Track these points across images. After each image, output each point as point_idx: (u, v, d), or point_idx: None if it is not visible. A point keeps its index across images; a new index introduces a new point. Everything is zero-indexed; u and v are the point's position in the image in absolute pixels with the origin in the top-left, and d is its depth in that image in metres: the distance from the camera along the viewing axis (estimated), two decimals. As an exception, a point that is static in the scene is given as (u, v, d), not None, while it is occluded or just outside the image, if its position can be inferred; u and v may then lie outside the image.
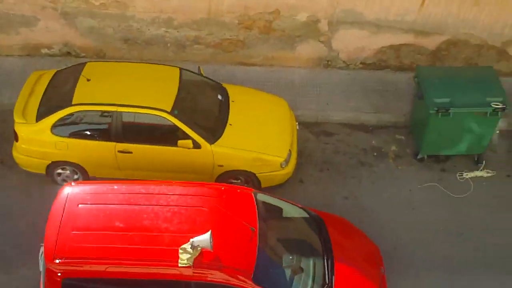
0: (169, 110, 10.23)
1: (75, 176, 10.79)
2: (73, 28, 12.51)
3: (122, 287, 8.29)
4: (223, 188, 9.14)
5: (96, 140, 10.40)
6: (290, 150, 10.73)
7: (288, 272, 8.74)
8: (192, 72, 11.23)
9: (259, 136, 10.70)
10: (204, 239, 7.91)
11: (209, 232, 7.98)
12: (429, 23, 12.54)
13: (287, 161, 10.64)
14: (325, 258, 9.07)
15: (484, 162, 11.86)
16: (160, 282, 8.23)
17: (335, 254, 9.13)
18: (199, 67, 11.44)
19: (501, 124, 12.17)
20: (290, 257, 8.87)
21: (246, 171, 10.59)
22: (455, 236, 10.79)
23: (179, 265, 7.99)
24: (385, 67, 13.18)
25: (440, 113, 10.95)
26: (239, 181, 10.71)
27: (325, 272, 8.92)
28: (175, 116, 10.23)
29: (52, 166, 10.69)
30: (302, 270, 8.83)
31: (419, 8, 12.30)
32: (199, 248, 7.97)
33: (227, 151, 10.43)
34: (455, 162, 11.89)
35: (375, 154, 11.93)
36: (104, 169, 10.65)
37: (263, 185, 10.72)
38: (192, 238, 7.98)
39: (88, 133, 10.46)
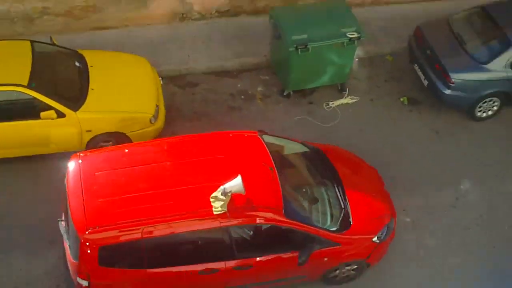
0: (25, 84, 9.99)
1: None
2: None
3: (158, 246, 8.24)
4: (231, 135, 9.26)
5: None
6: (157, 105, 10.77)
7: (307, 204, 9.15)
8: (44, 43, 10.96)
9: (123, 96, 10.66)
10: (236, 183, 8.05)
11: (239, 176, 8.11)
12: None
13: (155, 116, 10.69)
14: (335, 185, 9.47)
15: (347, 90, 12.39)
16: (197, 234, 8.29)
17: (343, 179, 9.54)
18: (51, 37, 11.18)
19: (359, 52, 12.77)
20: (304, 190, 9.29)
21: (116, 132, 10.55)
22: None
23: (214, 213, 8.06)
24: (241, 12, 13.35)
25: (299, 50, 11.28)
26: (110, 143, 10.64)
27: (338, 198, 9.35)
28: (33, 89, 10.01)
29: None
30: (317, 200, 9.29)
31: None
32: (229, 194, 8.04)
33: (93, 116, 10.35)
34: (321, 94, 12.33)
35: (243, 97, 12.15)
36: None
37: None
38: (220, 185, 8.08)
39: None
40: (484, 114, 12.19)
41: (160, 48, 12.58)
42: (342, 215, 9.21)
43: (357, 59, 12.81)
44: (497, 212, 10.81)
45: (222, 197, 8.05)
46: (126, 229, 8.07)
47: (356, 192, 9.48)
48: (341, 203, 9.32)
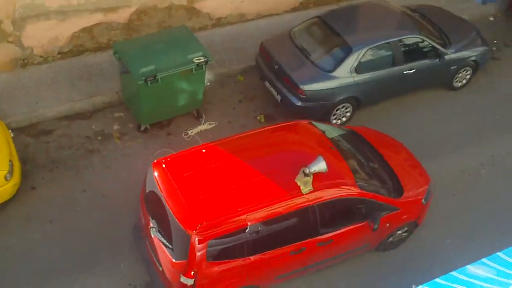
0: None
1: None
2: None
3: (255, 233, 8.95)
4: (291, 124, 10.54)
5: None
6: (10, 161, 10.53)
7: (367, 176, 10.15)
8: None
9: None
10: (319, 163, 9.10)
11: (320, 157, 9.17)
12: (113, -1, 12.92)
13: (10, 173, 10.45)
14: (378, 158, 10.72)
15: (203, 116, 12.70)
16: (286, 217, 9.11)
17: (382, 153, 10.82)
18: None
19: (209, 76, 13.13)
20: (359, 164, 10.30)
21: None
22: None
23: (303, 192, 9.06)
24: (84, 51, 13.33)
25: (148, 82, 11.33)
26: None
27: (385, 168, 10.55)
28: None
29: None
30: (375, 171, 10.43)
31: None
32: (311, 174, 9.08)
33: None
34: (178, 123, 12.54)
35: (100, 138, 12.12)
36: None
37: (-6, 203, 10.46)
38: (299, 168, 9.15)
39: None
40: (339, 121, 12.91)
41: (4, 98, 12.28)
42: (394, 183, 10.39)
43: (208, 83, 13.14)
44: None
45: (306, 178, 9.13)
46: (231, 219, 8.80)
47: (396, 162, 10.77)
48: (390, 172, 10.49)
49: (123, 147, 12.05)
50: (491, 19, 16.29)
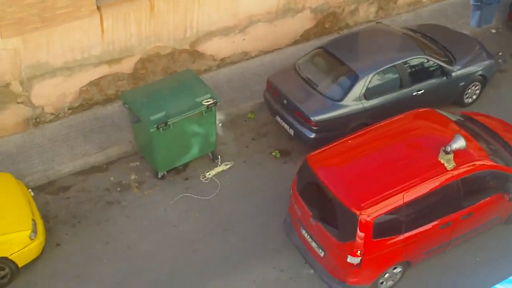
0: None
1: None
2: None
3: (409, 210, 10.12)
4: (418, 111, 11.76)
5: None
6: (33, 220, 10.87)
7: (494, 152, 11.36)
8: None
9: (-8, 219, 10.64)
10: (458, 141, 10.34)
11: (458, 135, 10.43)
12: (116, 50, 13.35)
13: (35, 231, 10.77)
14: (496, 137, 11.98)
15: (219, 157, 13.03)
16: (434, 194, 10.28)
17: (500, 134, 12.06)
18: None
19: (220, 117, 13.48)
20: (484, 142, 11.42)
21: (-3, 258, 10.55)
22: (224, 234, 11.84)
23: (448, 169, 10.31)
24: (93, 104, 13.73)
25: (160, 129, 11.66)
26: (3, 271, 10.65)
27: (506, 148, 11.76)
28: None
29: None
30: (502, 147, 11.75)
31: (101, 39, 13.05)
32: (452, 152, 10.31)
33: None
34: (195, 167, 12.88)
35: (119, 189, 12.46)
36: None
37: (20, 265, 10.75)
38: (439, 148, 10.44)
39: None
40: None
41: (20, 159, 12.67)
42: None
43: (220, 124, 13.52)
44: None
45: (447, 156, 10.36)
46: (390, 198, 9.96)
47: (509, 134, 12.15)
48: (510, 149, 11.70)
49: (142, 196, 12.38)
50: (493, 31, 16.73)
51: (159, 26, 13.62)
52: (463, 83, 13.87)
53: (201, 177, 12.71)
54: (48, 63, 12.80)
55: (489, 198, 11.00)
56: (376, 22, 15.43)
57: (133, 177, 12.71)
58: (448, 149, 10.36)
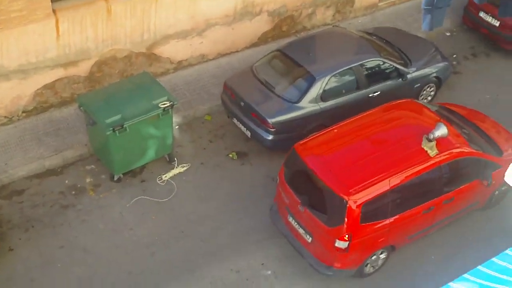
0: None
1: None
2: None
3: (394, 195, 10.57)
4: (399, 102, 12.27)
5: None
6: (-14, 224, 10.78)
7: (470, 138, 11.91)
8: None
9: None
10: (441, 129, 10.88)
11: (440, 123, 10.99)
12: (72, 53, 13.28)
13: (-14, 236, 10.69)
14: (472, 125, 12.51)
15: (175, 159, 13.06)
16: (417, 179, 10.77)
17: (475, 123, 12.62)
18: None
19: (177, 119, 13.51)
20: (461, 130, 11.95)
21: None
22: (181, 236, 11.85)
23: (431, 155, 10.82)
24: (48, 107, 13.63)
25: (117, 131, 11.64)
26: None
27: (480, 133, 12.35)
28: None
29: None
30: (479, 135, 12.35)
31: (57, 42, 12.98)
32: (434, 139, 10.83)
33: None
34: (151, 169, 12.88)
35: (73, 192, 12.38)
36: None
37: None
38: (421, 136, 10.95)
39: None
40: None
41: (-31, 162, 12.49)
42: (492, 144, 12.13)
43: (177, 127, 13.55)
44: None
45: (430, 143, 10.89)
46: (377, 184, 10.41)
47: (487, 127, 12.64)
48: (485, 136, 12.28)
49: (98, 199, 12.31)
50: (448, 34, 17.07)
51: (116, 29, 13.59)
52: (418, 85, 14.12)
53: (158, 179, 12.70)
54: (3, 65, 12.68)
55: (469, 183, 11.50)
56: (333, 25, 15.65)
57: (88, 180, 12.64)
58: (431, 136, 10.87)
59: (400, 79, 13.75)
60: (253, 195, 12.62)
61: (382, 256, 11.28)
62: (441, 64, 14.55)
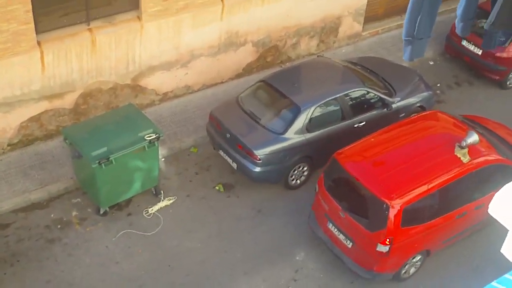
0: None
1: None
2: None
3: (431, 200, 11.16)
4: (428, 113, 13.29)
5: None
6: (-28, 260, 10.78)
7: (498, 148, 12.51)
8: None
9: None
10: (472, 137, 11.58)
11: (471, 131, 11.71)
12: (57, 85, 13.38)
13: (-27, 272, 10.68)
14: (496, 136, 13.10)
15: (162, 192, 13.12)
16: (455, 183, 11.38)
17: (498, 133, 13.31)
18: None
19: (163, 151, 13.61)
20: (487, 138, 12.54)
21: None
22: (167, 270, 11.89)
23: (464, 162, 11.50)
24: (34, 140, 13.68)
25: (102, 164, 11.69)
26: None
27: (505, 145, 12.93)
28: None
29: None
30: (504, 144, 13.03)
31: (42, 74, 13.08)
32: (466, 146, 11.49)
33: None
34: (138, 202, 12.93)
35: (59, 226, 12.39)
36: None
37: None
38: (453, 145, 11.62)
39: None
40: (298, 181, 13.52)
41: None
42: None
43: (163, 159, 13.64)
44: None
45: (463, 150, 11.55)
46: (417, 188, 10.99)
47: (505, 133, 13.38)
48: (508, 145, 12.91)
49: (84, 232, 12.34)
50: (431, 63, 17.37)
51: (101, 61, 13.73)
52: (403, 114, 14.31)
53: (144, 212, 12.76)
54: (-13, 99, 12.76)
55: (497, 190, 11.63)
56: (318, 55, 15.86)
57: (74, 213, 12.68)
58: (463, 144, 11.55)
59: (385, 109, 13.93)
60: (239, 227, 12.70)
61: (419, 260, 11.78)
62: (425, 94, 14.79)
